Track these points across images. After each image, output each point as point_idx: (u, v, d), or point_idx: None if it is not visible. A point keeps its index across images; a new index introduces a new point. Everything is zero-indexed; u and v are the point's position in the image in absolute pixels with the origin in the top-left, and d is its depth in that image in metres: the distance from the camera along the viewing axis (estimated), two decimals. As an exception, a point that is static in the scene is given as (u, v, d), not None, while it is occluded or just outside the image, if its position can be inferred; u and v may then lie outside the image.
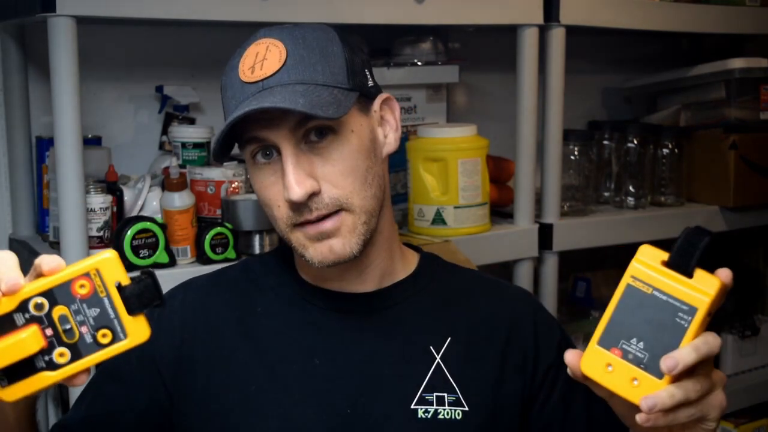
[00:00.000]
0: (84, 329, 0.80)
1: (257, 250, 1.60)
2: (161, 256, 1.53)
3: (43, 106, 1.77)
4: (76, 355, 0.81)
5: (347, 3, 1.63)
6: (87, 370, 0.82)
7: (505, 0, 1.86)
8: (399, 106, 1.16)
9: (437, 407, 1.10)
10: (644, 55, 2.59)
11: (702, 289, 0.85)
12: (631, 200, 2.20)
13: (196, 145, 1.71)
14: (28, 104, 1.76)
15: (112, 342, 0.81)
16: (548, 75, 1.94)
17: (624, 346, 0.86)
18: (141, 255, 1.51)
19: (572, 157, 2.10)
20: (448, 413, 1.10)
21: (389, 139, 1.15)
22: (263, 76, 1.05)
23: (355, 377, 1.11)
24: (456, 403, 1.11)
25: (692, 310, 0.84)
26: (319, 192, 1.05)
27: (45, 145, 1.72)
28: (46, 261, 0.82)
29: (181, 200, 1.57)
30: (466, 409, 1.11)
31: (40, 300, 0.80)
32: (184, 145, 1.71)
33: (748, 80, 2.24)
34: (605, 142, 2.24)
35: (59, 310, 0.80)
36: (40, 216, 1.76)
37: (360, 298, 1.15)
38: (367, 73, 1.13)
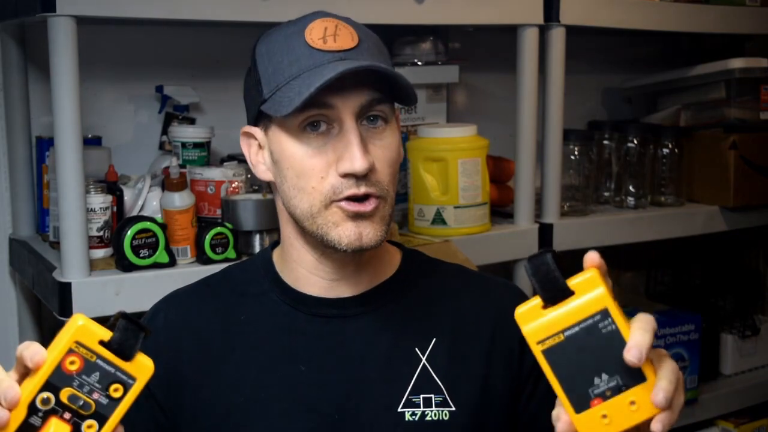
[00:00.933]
0: (96, 395, 0.83)
1: (257, 250, 1.60)
2: (161, 256, 1.53)
3: (43, 106, 1.77)
4: (102, 419, 0.83)
5: (347, 3, 1.63)
6: (120, 424, 0.84)
7: (505, 0, 1.86)
8: None
9: (424, 409, 1.10)
10: (644, 55, 2.59)
11: (590, 289, 0.81)
12: (631, 200, 2.20)
13: (196, 145, 1.71)
14: (28, 104, 1.76)
15: (126, 391, 0.83)
16: (548, 75, 1.94)
17: (596, 392, 0.82)
18: (141, 255, 1.51)
19: (572, 157, 2.10)
20: (435, 414, 1.10)
21: (401, 149, 1.16)
22: (339, 48, 1.05)
23: (341, 382, 1.10)
24: (443, 403, 1.10)
25: (604, 312, 0.81)
26: (372, 171, 1.06)
27: (45, 145, 1.72)
28: (28, 356, 0.81)
29: (181, 200, 1.57)
30: (453, 409, 1.10)
31: (44, 395, 0.82)
32: (184, 145, 1.71)
33: (748, 80, 2.24)
34: (605, 142, 2.24)
35: (65, 393, 0.82)
36: (40, 216, 1.76)
37: (344, 302, 1.14)
38: None
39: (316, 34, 1.06)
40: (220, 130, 1.84)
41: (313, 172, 1.06)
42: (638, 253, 2.43)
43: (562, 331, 0.81)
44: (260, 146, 1.13)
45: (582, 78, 2.36)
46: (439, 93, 2.08)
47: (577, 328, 0.81)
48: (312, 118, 1.05)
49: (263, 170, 1.14)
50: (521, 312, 0.83)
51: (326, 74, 1.01)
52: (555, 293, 0.81)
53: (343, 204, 1.05)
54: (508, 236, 1.92)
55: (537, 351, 0.83)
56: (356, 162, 1.03)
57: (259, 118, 1.11)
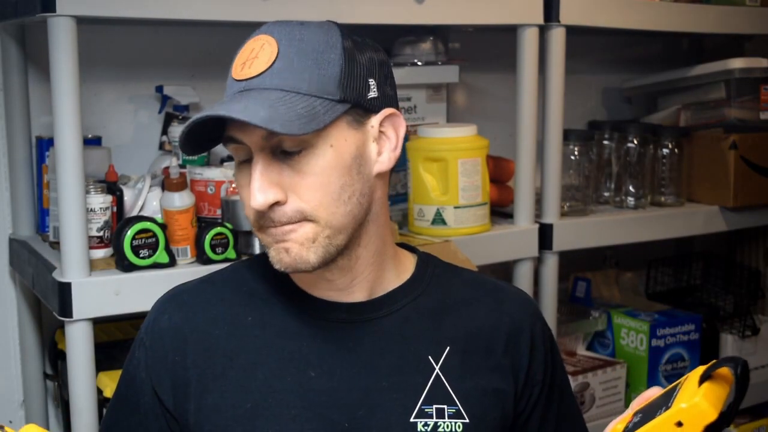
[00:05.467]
0: None
1: (257, 250, 1.60)
2: (161, 256, 1.53)
3: (43, 106, 1.77)
4: None
5: (347, 3, 1.63)
6: None
7: (505, 0, 1.86)
8: (405, 124, 1.11)
9: (437, 420, 1.08)
10: (644, 55, 2.59)
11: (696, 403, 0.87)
12: (631, 200, 2.20)
13: (196, 145, 1.71)
14: (28, 104, 1.76)
15: None
16: (548, 75, 1.94)
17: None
18: (141, 255, 1.51)
19: (572, 157, 2.10)
20: (448, 426, 1.08)
21: (382, 158, 1.09)
22: (248, 75, 1.04)
23: (352, 390, 1.08)
24: (456, 415, 1.09)
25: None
26: (284, 202, 1.03)
27: (45, 145, 1.72)
28: None
29: (181, 200, 1.57)
30: (467, 421, 1.09)
31: None
32: (184, 145, 1.71)
33: (748, 80, 2.24)
34: (605, 142, 2.24)
35: None
36: (40, 216, 1.76)
37: (356, 306, 1.12)
38: (372, 83, 1.07)
39: (240, 59, 1.06)
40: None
41: (244, 201, 1.08)
42: (638, 253, 2.43)
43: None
44: None
45: (582, 78, 2.36)
46: (439, 93, 2.08)
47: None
48: (234, 150, 1.07)
49: None
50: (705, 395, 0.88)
51: (199, 116, 1.02)
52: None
53: (268, 230, 1.06)
54: (508, 236, 1.92)
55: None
56: (252, 200, 1.03)
57: None
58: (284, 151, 1.03)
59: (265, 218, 1.04)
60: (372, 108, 1.07)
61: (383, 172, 1.10)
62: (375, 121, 1.08)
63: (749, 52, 2.38)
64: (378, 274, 1.13)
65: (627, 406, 2.14)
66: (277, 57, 1.03)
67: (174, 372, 1.12)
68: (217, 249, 1.56)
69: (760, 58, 2.25)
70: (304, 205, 1.03)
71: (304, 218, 1.04)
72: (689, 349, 2.19)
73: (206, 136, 1.07)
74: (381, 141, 1.09)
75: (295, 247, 1.04)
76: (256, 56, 1.04)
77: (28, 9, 1.46)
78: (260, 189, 1.02)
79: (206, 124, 1.03)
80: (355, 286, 1.12)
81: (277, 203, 1.03)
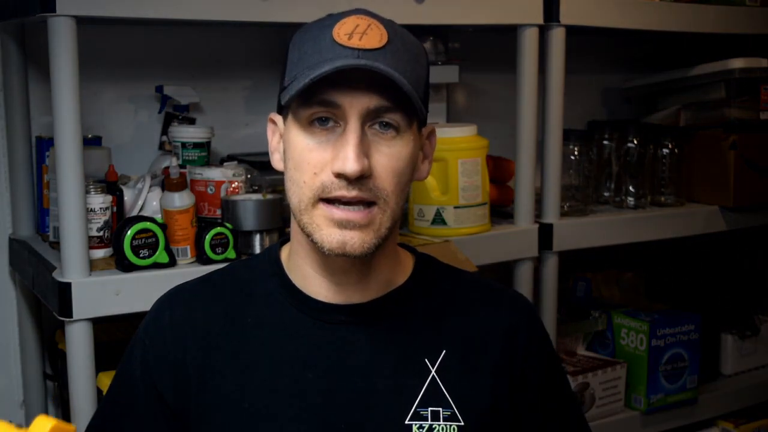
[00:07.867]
0: None
1: (257, 250, 1.60)
2: (161, 256, 1.53)
3: (43, 106, 1.77)
4: None
5: (347, 3, 1.63)
6: None
7: (505, 0, 1.86)
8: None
9: (432, 422, 1.08)
10: (644, 55, 2.59)
11: None
12: (631, 200, 2.20)
13: (196, 145, 1.71)
14: (28, 104, 1.76)
15: None
16: (548, 75, 1.94)
17: None
18: (141, 255, 1.51)
19: (572, 157, 2.10)
20: (443, 429, 1.08)
21: (424, 167, 1.15)
22: (362, 46, 1.02)
23: (348, 392, 1.09)
24: (452, 417, 1.09)
25: None
26: (369, 176, 1.03)
27: (45, 145, 1.72)
28: None
29: (181, 200, 1.57)
30: (462, 424, 1.09)
31: None
32: (184, 145, 1.71)
33: (748, 80, 2.24)
34: (605, 142, 2.24)
35: None
36: (40, 216, 1.76)
37: (353, 308, 1.12)
38: (428, 98, 1.13)
39: (345, 29, 1.03)
40: (220, 130, 1.84)
41: (308, 167, 1.04)
42: (638, 253, 2.43)
43: None
44: (281, 135, 1.12)
45: (582, 78, 2.36)
46: (439, 93, 2.08)
47: None
48: (319, 113, 1.03)
49: (277, 159, 1.13)
50: None
51: (330, 68, 0.99)
52: None
53: (333, 208, 1.03)
54: (508, 236, 1.92)
55: None
56: (348, 163, 1.00)
57: (282, 106, 1.09)
58: (373, 128, 1.04)
59: (339, 187, 1.02)
60: (424, 121, 1.12)
61: (418, 181, 1.16)
62: (425, 132, 1.14)
63: (749, 52, 2.38)
64: (389, 274, 1.14)
65: (627, 405, 2.15)
66: (388, 41, 1.04)
67: (175, 369, 1.12)
68: (217, 249, 1.56)
69: (760, 58, 2.25)
70: (383, 185, 1.04)
71: (374, 202, 1.04)
72: (689, 349, 2.19)
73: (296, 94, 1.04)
74: (424, 152, 1.15)
75: (359, 237, 1.04)
76: (364, 32, 1.03)
77: (28, 9, 1.46)
78: (358, 156, 1.01)
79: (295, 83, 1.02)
80: (367, 284, 1.12)
81: (363, 176, 1.02)
